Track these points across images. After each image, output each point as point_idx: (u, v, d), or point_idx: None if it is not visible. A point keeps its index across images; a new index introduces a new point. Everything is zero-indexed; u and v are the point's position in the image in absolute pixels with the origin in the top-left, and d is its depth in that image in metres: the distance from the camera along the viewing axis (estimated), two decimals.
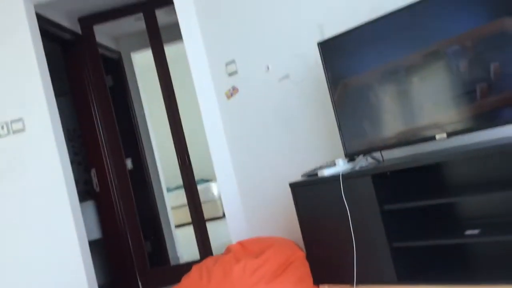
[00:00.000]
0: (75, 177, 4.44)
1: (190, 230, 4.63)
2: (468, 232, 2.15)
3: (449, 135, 2.20)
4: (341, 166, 2.55)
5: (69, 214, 3.26)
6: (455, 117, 2.17)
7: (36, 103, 3.29)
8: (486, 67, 2.06)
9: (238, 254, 2.77)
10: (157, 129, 5.56)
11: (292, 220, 3.14)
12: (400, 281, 2.26)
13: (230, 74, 3.34)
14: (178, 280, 4.04)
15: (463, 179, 2.40)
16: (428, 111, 2.25)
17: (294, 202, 2.62)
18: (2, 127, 3.28)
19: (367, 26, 2.41)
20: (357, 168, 2.45)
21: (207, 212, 7.21)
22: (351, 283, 2.43)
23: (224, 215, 7.37)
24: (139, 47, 4.87)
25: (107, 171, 4.08)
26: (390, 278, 2.28)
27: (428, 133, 2.26)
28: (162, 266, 4.43)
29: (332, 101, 2.60)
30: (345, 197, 2.39)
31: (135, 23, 4.55)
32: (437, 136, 2.23)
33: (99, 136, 4.09)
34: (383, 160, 2.63)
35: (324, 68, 2.62)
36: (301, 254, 2.67)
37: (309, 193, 2.56)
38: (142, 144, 4.75)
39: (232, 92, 3.36)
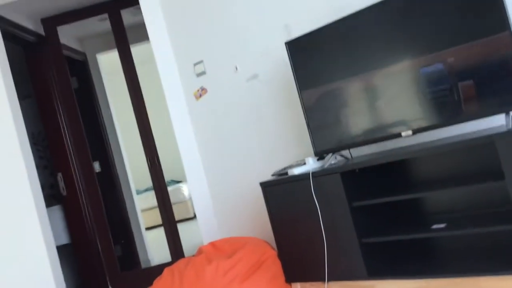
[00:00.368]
0: (41, 181, 4.34)
1: (161, 232, 4.60)
2: (435, 226, 2.21)
3: (415, 132, 2.25)
4: (311, 164, 2.57)
5: (36, 220, 3.18)
6: (420, 114, 2.22)
7: None
8: (449, 66, 2.12)
9: (210, 255, 2.76)
10: (126, 130, 5.49)
11: (263, 219, 3.16)
12: (370, 276, 2.30)
13: (199, 75, 3.33)
14: (149, 283, 4.00)
15: (430, 174, 2.46)
16: (394, 109, 2.30)
17: (265, 201, 2.63)
18: None
19: (334, 25, 2.44)
20: (326, 166, 2.48)
21: (178, 213, 7.16)
22: (323, 280, 2.45)
23: (195, 216, 7.34)
24: (104, 48, 4.79)
25: (74, 175, 4.01)
26: (361, 274, 2.32)
27: (395, 131, 2.31)
28: (133, 270, 4.38)
29: (300, 100, 2.62)
30: (315, 195, 2.42)
31: (100, 24, 4.48)
32: (403, 133, 2.28)
33: (65, 139, 4.01)
34: (351, 158, 2.67)
35: (292, 68, 2.64)
36: (273, 253, 2.68)
37: (279, 192, 2.57)
38: (110, 146, 4.68)
39: (201, 92, 3.34)
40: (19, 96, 3.59)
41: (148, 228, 7.22)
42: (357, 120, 2.42)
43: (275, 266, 2.63)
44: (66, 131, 4.03)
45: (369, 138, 2.40)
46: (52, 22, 4.05)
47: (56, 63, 4.02)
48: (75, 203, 4.02)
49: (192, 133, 3.39)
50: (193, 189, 3.39)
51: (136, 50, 4.75)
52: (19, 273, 3.16)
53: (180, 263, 2.75)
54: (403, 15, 2.22)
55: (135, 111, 3.90)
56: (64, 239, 4.17)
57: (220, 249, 2.84)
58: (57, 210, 4.18)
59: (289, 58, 2.64)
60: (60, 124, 4.01)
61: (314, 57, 2.54)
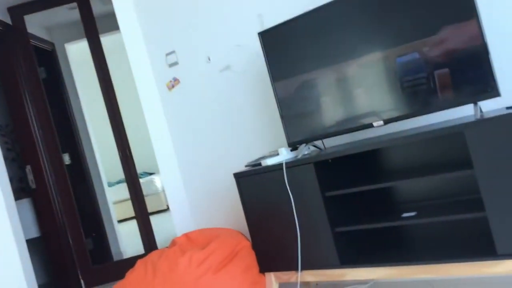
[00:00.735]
0: (9, 174, 4.24)
1: (134, 225, 4.55)
2: (406, 214, 2.25)
3: (386, 122, 2.28)
4: (284, 155, 2.58)
5: (4, 213, 3.11)
6: (391, 105, 2.25)
7: None
8: (419, 56, 2.14)
9: (184, 246, 2.75)
10: (96, 122, 5.39)
11: (237, 210, 3.16)
12: (343, 264, 2.33)
13: (171, 65, 3.29)
14: (122, 276, 3.97)
15: (401, 164, 2.50)
16: (367, 99, 2.32)
17: (239, 192, 2.63)
18: None
19: (307, 16, 2.44)
20: (299, 156, 2.49)
21: (151, 205, 7.12)
22: (296, 269, 2.47)
23: (168, 208, 7.29)
24: (74, 37, 4.69)
25: (43, 167, 3.93)
26: (333, 262, 2.35)
27: (367, 121, 2.33)
28: (105, 263, 4.33)
29: (274, 91, 2.62)
30: (288, 186, 2.43)
31: (69, 13, 4.37)
32: (375, 124, 2.31)
33: (33, 131, 3.92)
34: (324, 148, 2.69)
35: (265, 58, 2.63)
36: (247, 244, 2.69)
37: (253, 182, 2.57)
38: (80, 138, 4.60)
39: (173, 83, 3.31)
40: None
41: (121, 221, 7.14)
42: (330, 111, 2.44)
43: (249, 257, 2.64)
44: (35, 123, 3.94)
45: (341, 129, 2.42)
46: (19, 11, 3.94)
47: (23, 53, 3.92)
48: (44, 196, 3.94)
49: (165, 124, 3.36)
50: (166, 180, 3.37)
51: (107, 40, 4.66)
52: None
53: (153, 255, 2.73)
54: (375, 6, 2.23)
55: (105, 102, 3.84)
56: (34, 233, 4.09)
57: (194, 241, 2.83)
58: (26, 203, 4.09)
59: (262, 49, 2.63)
60: (28, 116, 3.92)
61: (288, 47, 2.54)
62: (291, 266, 2.50)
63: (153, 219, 6.58)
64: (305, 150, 2.57)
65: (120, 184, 7.40)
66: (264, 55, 2.63)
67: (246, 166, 2.74)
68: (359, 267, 2.30)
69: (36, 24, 4.38)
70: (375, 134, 2.61)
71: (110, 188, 6.09)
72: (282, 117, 2.61)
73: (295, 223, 2.44)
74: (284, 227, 2.49)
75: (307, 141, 2.55)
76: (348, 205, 2.48)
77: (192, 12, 3.15)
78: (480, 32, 1.99)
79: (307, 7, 2.70)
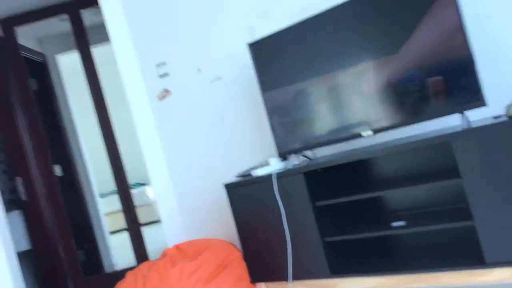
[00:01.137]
0: (0, 186, 4.21)
1: (127, 236, 4.53)
2: (395, 224, 2.25)
3: (375, 132, 2.29)
4: (274, 165, 2.59)
5: None
6: (380, 115, 2.26)
7: None
8: (409, 67, 2.16)
9: (174, 257, 2.74)
10: (88, 133, 5.38)
11: (228, 221, 3.15)
12: (333, 274, 2.33)
13: (162, 76, 3.30)
14: None
15: (390, 173, 2.51)
16: (355, 109, 2.33)
17: (229, 203, 2.63)
18: None
19: (296, 27, 2.46)
20: (289, 166, 2.50)
21: (143, 217, 7.08)
22: (287, 279, 2.47)
23: None
24: (65, 49, 4.69)
25: (34, 179, 3.91)
26: (324, 272, 2.35)
27: (356, 131, 2.35)
28: (97, 275, 4.30)
29: (263, 102, 2.63)
30: (278, 196, 2.43)
31: (60, 24, 4.38)
32: (364, 133, 2.32)
33: (24, 143, 3.90)
34: (314, 158, 2.70)
35: (254, 69, 2.64)
36: (238, 254, 2.68)
37: (243, 193, 2.58)
38: (71, 149, 4.58)
39: (164, 94, 3.31)
40: None
41: (113, 232, 7.10)
42: (320, 121, 2.45)
43: (240, 268, 2.63)
44: (26, 134, 3.93)
45: (331, 139, 2.43)
46: (10, 22, 3.94)
47: (14, 64, 3.92)
48: (35, 208, 3.92)
49: (156, 135, 3.36)
50: (157, 191, 3.36)
51: (98, 51, 4.67)
52: None
53: (143, 266, 2.72)
54: (363, 17, 2.25)
55: (97, 113, 3.84)
56: (25, 245, 4.05)
57: (185, 252, 2.82)
58: (17, 215, 4.06)
59: (252, 60, 2.64)
60: (19, 127, 3.90)
61: (277, 58, 2.55)
62: (281, 276, 2.49)
63: (146, 230, 6.55)
64: (295, 160, 2.57)
65: (112, 195, 7.37)
66: (253, 66, 2.64)
67: (236, 176, 2.74)
68: (349, 277, 2.30)
69: (27, 35, 4.39)
70: (365, 143, 2.63)
71: (102, 199, 6.07)
72: (272, 127, 2.62)
73: (285, 233, 2.44)
74: (274, 238, 2.49)
75: (297, 151, 2.56)
76: (338, 215, 2.48)
77: (182, 23, 3.17)
78: (466, 43, 2.02)
79: (296, 18, 2.72)
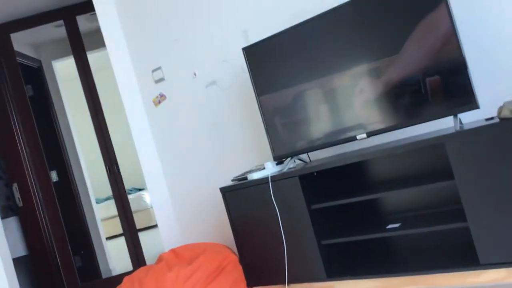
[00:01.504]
0: None
1: (123, 241, 4.53)
2: (390, 226, 2.27)
3: (369, 135, 2.31)
4: (270, 169, 2.60)
5: None
6: (375, 118, 2.28)
7: None
8: (403, 70, 2.18)
9: (171, 262, 2.74)
10: (84, 138, 5.38)
11: (224, 225, 3.16)
12: (329, 277, 2.34)
13: (157, 81, 3.31)
14: None
15: (385, 176, 2.52)
16: (350, 113, 2.35)
17: (225, 207, 2.64)
18: None
19: (290, 31, 2.48)
20: (285, 170, 2.51)
21: (140, 221, 7.07)
22: (283, 283, 2.48)
23: None
24: (60, 55, 4.70)
25: (30, 185, 3.91)
26: (320, 275, 2.36)
27: (350, 134, 2.36)
28: (93, 281, 4.29)
29: (259, 106, 2.65)
30: (274, 199, 2.44)
31: (56, 30, 4.39)
32: (358, 136, 2.34)
33: (20, 149, 3.90)
34: (310, 161, 2.71)
35: (249, 73, 2.66)
36: (234, 258, 2.69)
37: (239, 197, 2.59)
38: (68, 155, 4.58)
39: (160, 99, 3.33)
40: None
41: (110, 237, 7.08)
42: (315, 124, 2.47)
43: (236, 271, 2.64)
44: (22, 140, 3.93)
45: (326, 142, 2.44)
46: (5, 29, 3.95)
47: (10, 71, 3.92)
48: (31, 214, 3.92)
49: (152, 140, 3.37)
50: (153, 196, 3.36)
51: (94, 57, 4.67)
52: None
53: (140, 271, 2.72)
54: (356, 22, 2.27)
55: (93, 119, 3.84)
56: (21, 251, 4.05)
57: (181, 256, 2.83)
58: (13, 221, 4.06)
59: (247, 64, 2.66)
60: (15, 133, 3.90)
61: (272, 62, 2.57)
62: (278, 279, 2.50)
63: (143, 235, 6.54)
64: (290, 164, 2.59)
65: (109, 201, 7.36)
66: (248, 70, 2.66)
67: (232, 180, 2.75)
68: (345, 279, 2.31)
69: (23, 41, 4.39)
70: (360, 146, 2.64)
71: (98, 204, 6.06)
72: (267, 131, 2.63)
73: (281, 236, 2.45)
74: (270, 241, 2.50)
75: (292, 154, 2.57)
76: (333, 218, 2.49)
77: (177, 28, 3.19)
78: (459, 47, 2.04)
79: (290, 22, 2.74)
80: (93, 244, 4.59)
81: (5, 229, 3.90)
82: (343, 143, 2.40)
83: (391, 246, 2.51)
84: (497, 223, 1.88)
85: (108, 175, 3.86)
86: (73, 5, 3.91)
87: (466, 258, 2.05)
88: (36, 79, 4.55)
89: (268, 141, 2.64)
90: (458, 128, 2.01)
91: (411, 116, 2.18)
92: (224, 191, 2.64)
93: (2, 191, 4.49)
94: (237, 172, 3.08)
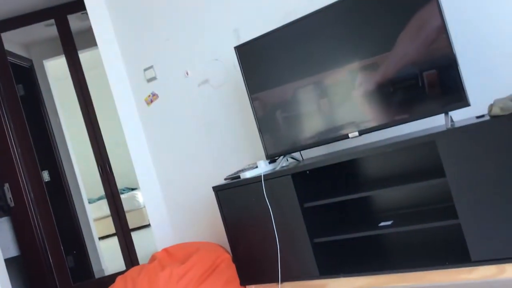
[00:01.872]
0: None
1: (116, 241, 4.52)
2: (382, 223, 2.28)
3: (361, 133, 2.32)
4: (263, 167, 2.60)
5: None
6: (366, 116, 2.29)
7: None
8: (393, 68, 2.19)
9: (164, 261, 2.74)
10: (76, 138, 5.35)
11: (217, 223, 3.16)
12: (322, 275, 2.35)
13: (149, 80, 3.30)
14: None
15: (377, 174, 2.53)
16: (342, 111, 2.36)
17: (218, 205, 2.64)
18: None
19: (282, 30, 2.48)
20: (277, 168, 2.52)
21: (133, 221, 7.05)
22: (276, 281, 2.48)
23: None
24: (52, 54, 4.67)
25: (22, 185, 3.88)
26: (313, 273, 2.36)
27: (342, 132, 2.37)
28: (86, 281, 4.28)
29: (251, 105, 2.65)
30: (267, 198, 2.45)
31: (47, 29, 4.36)
32: (350, 135, 2.35)
33: (11, 148, 3.88)
34: (302, 159, 2.72)
35: (242, 72, 2.66)
36: (227, 257, 2.69)
37: (232, 195, 2.59)
38: (59, 154, 4.56)
39: (152, 98, 3.32)
40: None
41: (103, 237, 7.05)
42: (307, 123, 2.47)
43: (229, 270, 2.64)
44: (13, 140, 3.91)
45: (318, 140, 2.45)
46: None
47: (1, 70, 3.90)
48: (23, 214, 3.89)
49: (144, 139, 3.36)
50: (146, 196, 3.36)
51: (85, 56, 4.65)
52: None
53: (133, 270, 2.72)
54: (348, 20, 2.28)
55: (84, 118, 3.83)
56: (13, 252, 4.02)
57: (174, 255, 2.83)
58: (5, 221, 4.03)
59: (239, 63, 2.66)
60: (6, 133, 3.88)
61: (264, 61, 2.57)
62: (271, 278, 2.50)
63: (136, 235, 6.52)
64: (283, 162, 2.59)
65: (102, 200, 7.33)
66: (241, 69, 2.66)
67: (225, 179, 2.75)
68: (338, 277, 2.32)
69: (14, 41, 4.37)
70: (353, 144, 2.65)
71: (91, 204, 6.03)
72: (260, 130, 2.64)
73: (274, 235, 2.45)
74: (263, 239, 2.50)
75: (285, 153, 2.58)
76: (326, 216, 2.50)
77: (169, 27, 3.18)
78: (450, 45, 2.05)
79: (281, 22, 2.74)
80: (85, 244, 4.58)
81: None
82: (336, 141, 2.41)
83: (383, 244, 2.52)
84: (488, 220, 1.89)
85: (100, 175, 3.85)
86: (64, 4, 3.89)
87: (457, 255, 2.06)
88: (27, 79, 4.52)
89: (261, 139, 2.65)
90: (449, 125, 2.02)
91: (403, 114, 2.19)
92: (217, 189, 2.64)
93: None
94: (230, 171, 3.08)
